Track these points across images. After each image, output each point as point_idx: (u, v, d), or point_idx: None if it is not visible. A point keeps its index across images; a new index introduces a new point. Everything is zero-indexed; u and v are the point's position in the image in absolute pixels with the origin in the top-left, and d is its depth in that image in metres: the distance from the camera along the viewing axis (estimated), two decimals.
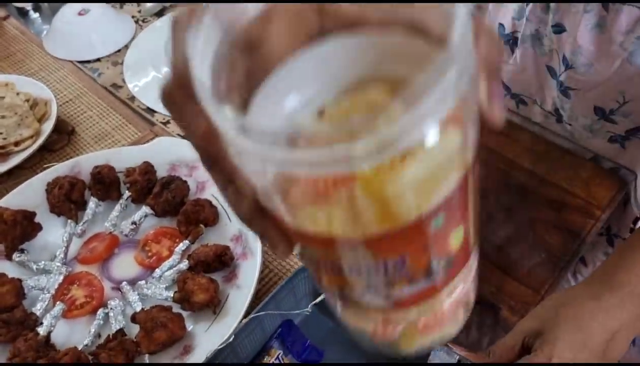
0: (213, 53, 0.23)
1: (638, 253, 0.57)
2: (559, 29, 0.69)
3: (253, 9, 0.24)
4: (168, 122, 0.92)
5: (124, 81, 0.99)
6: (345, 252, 0.25)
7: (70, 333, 0.66)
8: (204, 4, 0.24)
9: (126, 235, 0.74)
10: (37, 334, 0.63)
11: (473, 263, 0.30)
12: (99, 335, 0.66)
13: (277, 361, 0.62)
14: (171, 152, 0.80)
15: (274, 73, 0.24)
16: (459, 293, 0.29)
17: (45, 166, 0.83)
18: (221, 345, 0.59)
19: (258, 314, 0.60)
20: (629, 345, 0.59)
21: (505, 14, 0.76)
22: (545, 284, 0.71)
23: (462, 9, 0.21)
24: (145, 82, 0.98)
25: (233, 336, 0.59)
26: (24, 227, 0.72)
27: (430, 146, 0.21)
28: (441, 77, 0.19)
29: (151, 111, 0.94)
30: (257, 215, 0.26)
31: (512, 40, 0.77)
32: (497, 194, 0.80)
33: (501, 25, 0.76)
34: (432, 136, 0.21)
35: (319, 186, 0.21)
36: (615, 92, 0.67)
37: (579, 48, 0.66)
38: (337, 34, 0.24)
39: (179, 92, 0.25)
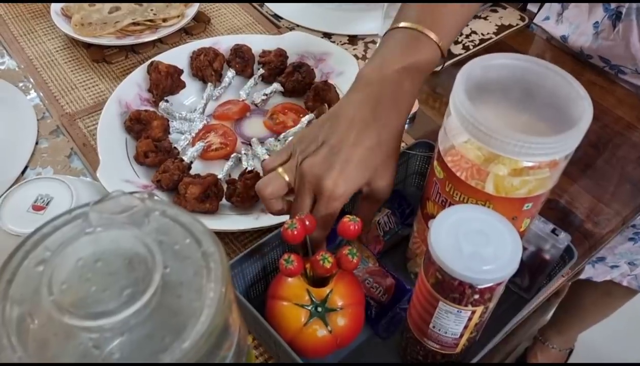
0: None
1: None
2: None
3: None
4: (293, 28, 1.01)
5: None
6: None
7: (206, 170, 0.75)
8: None
9: (256, 105, 0.84)
10: (182, 160, 0.73)
11: None
12: (229, 175, 0.75)
13: (385, 218, 0.70)
14: (301, 45, 0.89)
15: None
16: None
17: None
18: None
19: None
20: None
21: None
22: (627, 207, 0.77)
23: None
24: None
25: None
26: (173, 80, 0.82)
27: (537, 170, 0.47)
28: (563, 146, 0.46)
29: (277, 17, 1.03)
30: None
31: (615, 15, 0.85)
32: (591, 132, 0.87)
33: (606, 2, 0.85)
34: (541, 166, 0.47)
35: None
36: None
37: None
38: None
39: None
